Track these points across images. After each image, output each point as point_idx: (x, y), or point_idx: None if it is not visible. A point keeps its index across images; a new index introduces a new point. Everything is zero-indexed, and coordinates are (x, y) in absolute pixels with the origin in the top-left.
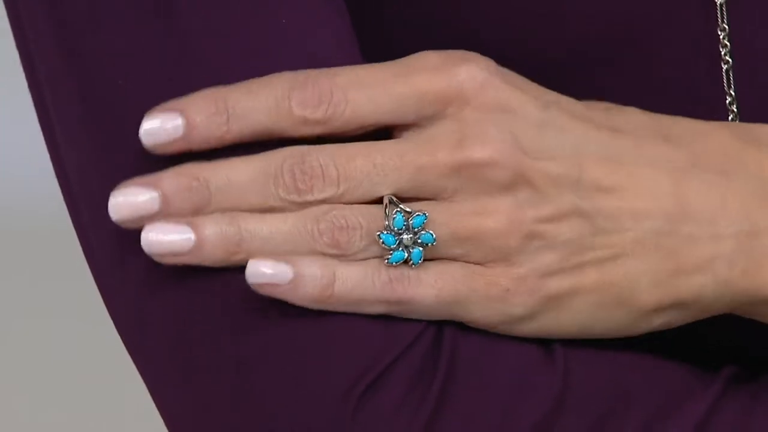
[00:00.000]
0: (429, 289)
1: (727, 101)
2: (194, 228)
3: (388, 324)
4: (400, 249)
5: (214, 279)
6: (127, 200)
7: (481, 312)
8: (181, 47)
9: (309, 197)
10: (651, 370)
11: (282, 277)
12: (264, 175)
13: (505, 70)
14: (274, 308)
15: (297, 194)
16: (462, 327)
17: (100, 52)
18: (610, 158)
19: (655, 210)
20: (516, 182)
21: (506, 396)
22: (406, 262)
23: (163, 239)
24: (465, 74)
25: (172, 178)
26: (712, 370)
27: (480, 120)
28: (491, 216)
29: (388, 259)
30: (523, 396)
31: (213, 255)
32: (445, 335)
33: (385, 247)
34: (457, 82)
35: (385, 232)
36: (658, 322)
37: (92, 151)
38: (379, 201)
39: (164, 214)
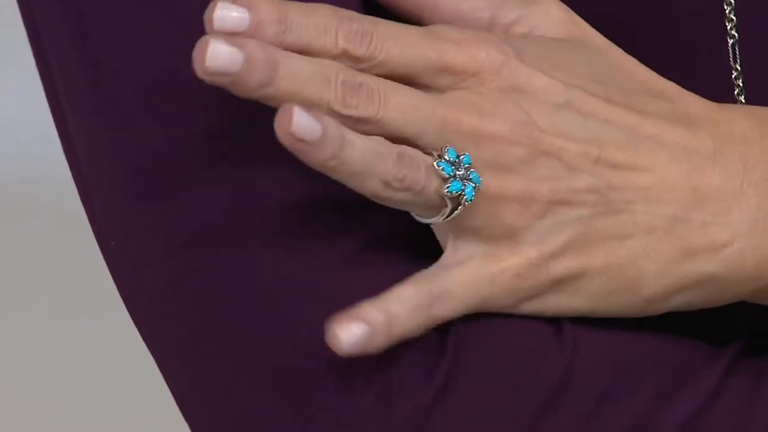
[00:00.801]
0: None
1: (733, 75)
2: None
3: None
4: (457, 179)
5: (221, 272)
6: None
7: None
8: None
9: (353, 113)
10: (657, 348)
11: None
12: (321, 76)
13: (532, 48)
14: (276, 298)
15: (342, 106)
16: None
17: (113, 45)
18: (631, 144)
19: (670, 197)
20: (533, 157)
21: (512, 378)
22: (459, 196)
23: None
24: (484, 55)
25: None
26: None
27: (496, 97)
28: (503, 192)
29: (447, 188)
30: (530, 378)
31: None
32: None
33: (444, 175)
34: (477, 61)
35: (443, 160)
36: (668, 307)
37: (105, 141)
38: (400, 141)
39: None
